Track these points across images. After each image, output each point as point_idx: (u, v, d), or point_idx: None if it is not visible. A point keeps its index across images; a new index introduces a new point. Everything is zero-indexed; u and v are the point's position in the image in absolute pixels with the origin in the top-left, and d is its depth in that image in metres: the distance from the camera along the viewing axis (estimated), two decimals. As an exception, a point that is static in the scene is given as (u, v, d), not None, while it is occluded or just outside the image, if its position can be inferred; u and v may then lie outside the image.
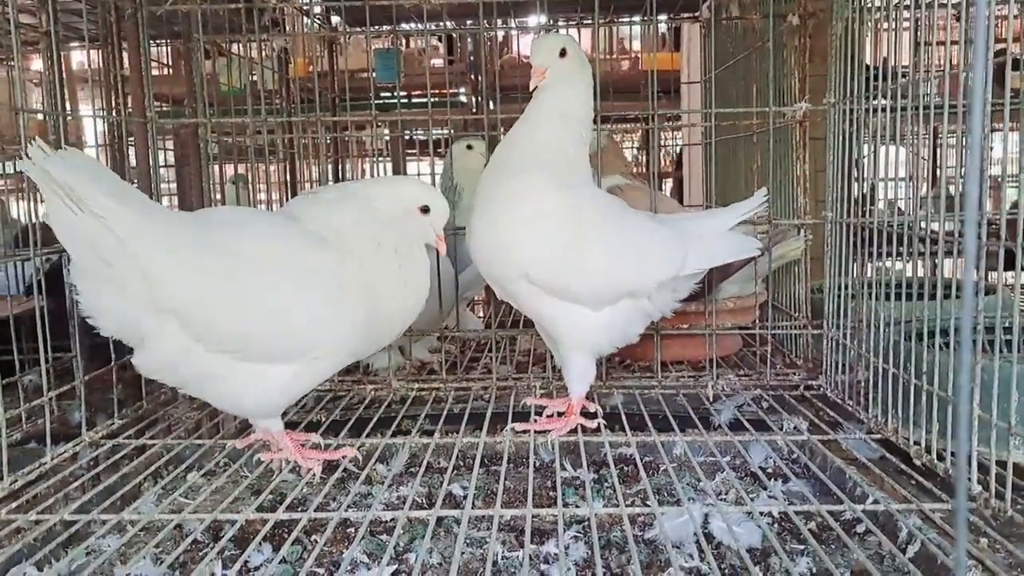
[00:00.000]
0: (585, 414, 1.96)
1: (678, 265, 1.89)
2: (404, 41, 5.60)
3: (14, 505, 1.57)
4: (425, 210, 1.78)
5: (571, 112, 1.88)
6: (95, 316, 1.60)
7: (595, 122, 2.34)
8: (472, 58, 5.06)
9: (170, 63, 3.22)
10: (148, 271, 1.51)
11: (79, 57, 4.58)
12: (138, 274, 1.51)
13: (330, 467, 1.85)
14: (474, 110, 4.70)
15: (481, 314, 3.70)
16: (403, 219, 1.77)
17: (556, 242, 1.82)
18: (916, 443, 1.70)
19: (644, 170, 5.98)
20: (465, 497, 1.66)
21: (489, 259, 1.89)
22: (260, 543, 1.48)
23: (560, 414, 1.98)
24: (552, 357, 2.19)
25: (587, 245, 1.83)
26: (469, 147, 2.73)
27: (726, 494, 1.76)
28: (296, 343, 1.66)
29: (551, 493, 1.79)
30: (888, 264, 1.97)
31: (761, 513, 1.50)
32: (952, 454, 1.58)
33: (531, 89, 1.89)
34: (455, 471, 1.83)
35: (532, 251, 1.82)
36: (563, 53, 1.87)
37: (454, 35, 4.98)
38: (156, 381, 2.20)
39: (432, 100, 3.01)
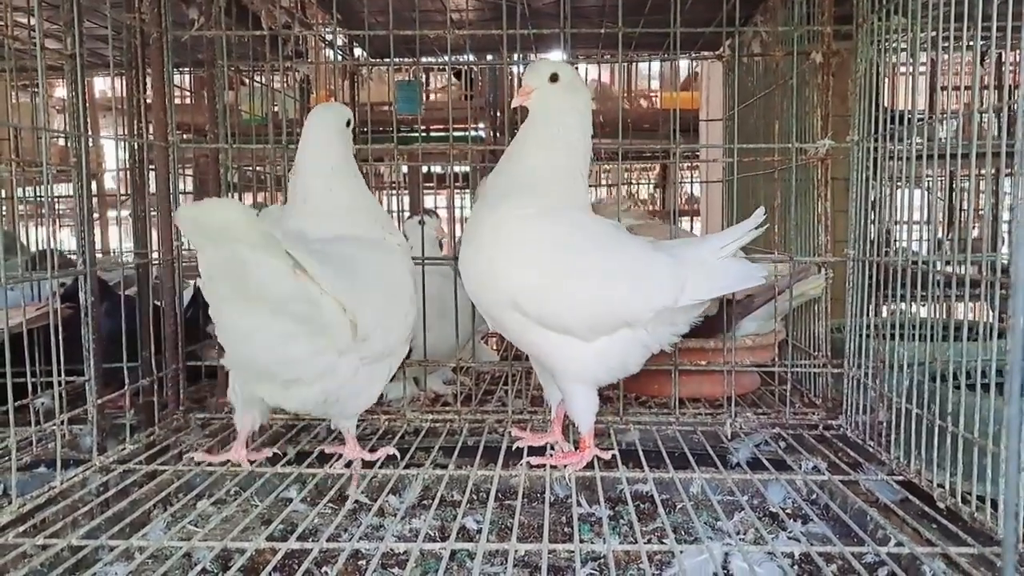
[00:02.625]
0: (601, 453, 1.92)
1: (675, 294, 1.76)
2: (425, 75, 5.65)
3: (21, 529, 1.55)
4: (349, 123, 1.94)
5: (560, 138, 1.84)
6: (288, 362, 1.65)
7: (617, 159, 2.35)
8: (493, 96, 5.09)
9: (192, 91, 3.25)
10: (356, 314, 1.64)
11: (101, 86, 4.63)
12: (344, 319, 1.64)
13: (341, 498, 1.83)
14: (493, 146, 4.73)
15: (496, 347, 3.67)
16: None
17: (546, 270, 1.77)
18: (940, 486, 1.66)
19: (661, 207, 5.99)
20: (479, 531, 1.63)
21: (478, 288, 1.85)
22: (270, 574, 1.45)
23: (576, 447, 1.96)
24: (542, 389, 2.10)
25: (578, 272, 1.77)
26: None
27: (745, 533, 1.72)
28: (407, 340, 1.94)
29: (567, 529, 1.76)
30: (909, 304, 1.94)
31: (783, 553, 1.46)
32: (979, 498, 1.54)
33: (512, 107, 1.89)
34: (469, 505, 1.80)
35: (521, 279, 1.77)
36: (554, 78, 1.84)
37: (475, 69, 5.01)
38: (169, 407, 2.22)
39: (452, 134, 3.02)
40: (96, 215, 4.18)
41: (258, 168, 2.95)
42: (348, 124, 1.93)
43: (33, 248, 2.82)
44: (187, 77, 3.27)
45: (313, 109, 1.92)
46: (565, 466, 1.84)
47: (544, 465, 1.86)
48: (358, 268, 1.74)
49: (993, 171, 1.62)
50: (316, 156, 1.87)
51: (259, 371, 1.70)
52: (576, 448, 1.92)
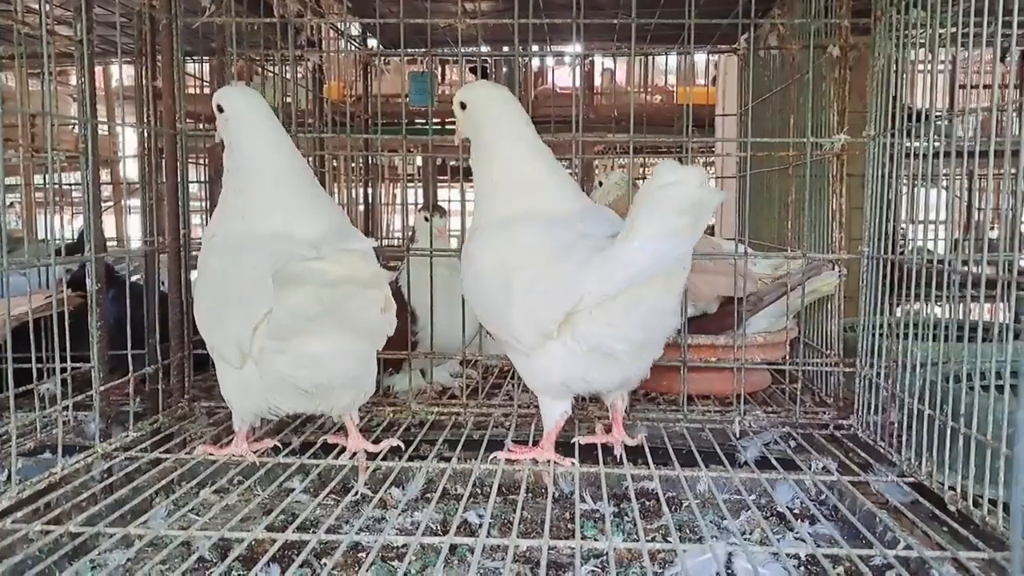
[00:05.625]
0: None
1: (572, 298, 1.63)
2: (440, 67, 5.63)
3: (20, 515, 1.54)
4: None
5: (484, 153, 1.91)
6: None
7: (628, 152, 2.32)
8: (507, 85, 5.05)
9: (203, 80, 3.24)
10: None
11: (119, 73, 4.64)
12: None
13: (343, 489, 1.82)
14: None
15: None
16: None
17: (468, 288, 1.93)
18: (951, 488, 1.63)
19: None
20: (480, 525, 1.62)
21: None
22: (267, 564, 1.44)
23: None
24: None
25: (481, 292, 1.86)
26: None
27: (751, 534, 1.70)
28: None
29: (569, 525, 1.74)
30: (924, 304, 1.90)
31: (788, 555, 1.44)
32: (991, 501, 1.51)
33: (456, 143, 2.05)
34: (471, 498, 1.79)
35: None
36: (463, 106, 1.94)
37: (489, 61, 4.98)
38: (174, 395, 2.21)
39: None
40: (111, 202, 4.20)
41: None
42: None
43: (42, 235, 2.83)
44: (199, 66, 3.27)
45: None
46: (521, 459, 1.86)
47: (516, 459, 1.85)
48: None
49: (1013, 170, 1.59)
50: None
51: (320, 388, 1.72)
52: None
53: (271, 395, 1.75)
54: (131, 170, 4.62)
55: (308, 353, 1.62)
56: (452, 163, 5.51)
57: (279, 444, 1.96)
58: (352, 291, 1.54)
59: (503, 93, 1.96)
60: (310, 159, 2.87)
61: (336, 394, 1.78)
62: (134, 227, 4.48)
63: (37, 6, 2.20)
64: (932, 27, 1.80)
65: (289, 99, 2.85)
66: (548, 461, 1.82)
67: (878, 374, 2.03)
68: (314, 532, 1.50)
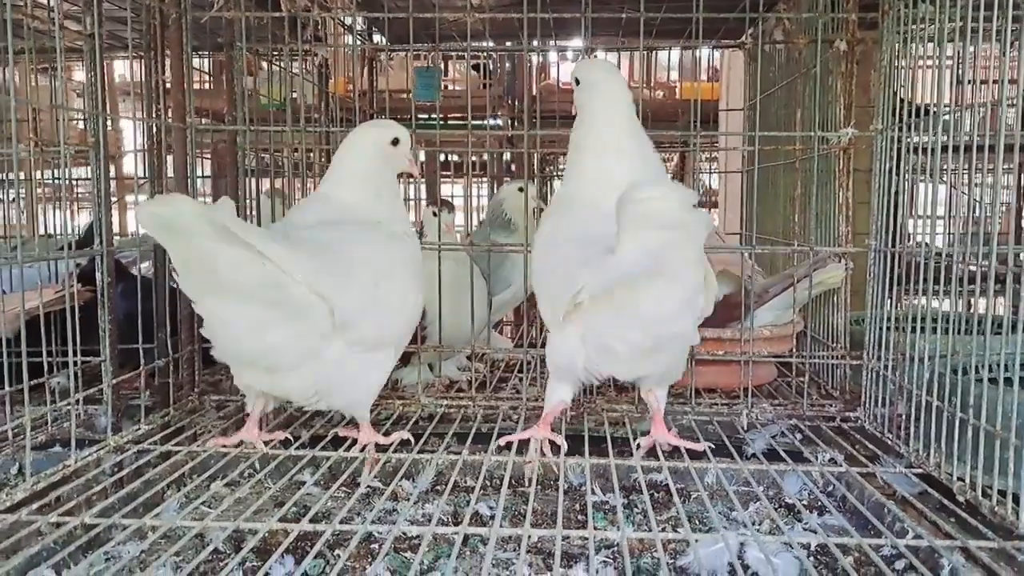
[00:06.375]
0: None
1: (571, 290, 1.72)
2: (444, 63, 5.63)
3: (35, 507, 1.55)
4: (395, 142, 1.96)
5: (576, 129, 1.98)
6: (257, 350, 1.66)
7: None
8: (510, 84, 5.06)
9: (211, 74, 3.24)
10: (330, 298, 1.63)
11: (121, 70, 4.64)
12: (319, 303, 1.62)
13: (355, 482, 1.82)
14: (510, 134, 4.72)
15: (510, 335, 3.66)
16: (388, 158, 1.96)
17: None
18: (960, 479, 1.63)
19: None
20: (492, 517, 1.63)
21: None
22: (282, 555, 1.45)
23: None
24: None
25: (533, 251, 1.97)
26: (520, 189, 2.73)
27: (760, 524, 1.71)
28: (408, 328, 1.92)
29: (580, 516, 1.75)
30: (931, 296, 1.91)
31: (799, 544, 1.44)
32: (1000, 492, 1.52)
33: None
34: (482, 491, 1.79)
35: None
36: (577, 81, 1.98)
37: (494, 56, 4.98)
38: (184, 388, 2.22)
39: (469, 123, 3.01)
40: (114, 198, 4.20)
41: (276, 153, 2.94)
42: (396, 143, 1.97)
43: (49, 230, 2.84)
44: (206, 62, 3.27)
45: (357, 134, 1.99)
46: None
47: (511, 443, 1.86)
48: (339, 253, 1.75)
49: (1016, 164, 1.60)
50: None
51: (243, 359, 1.72)
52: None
53: (232, 369, 1.80)
54: (130, 166, 4.64)
55: (205, 316, 1.62)
56: (454, 159, 5.51)
57: (290, 437, 1.97)
58: (219, 249, 1.48)
59: (602, 74, 1.98)
60: (316, 153, 2.89)
61: (291, 377, 1.73)
62: (133, 223, 4.49)
63: (45, 1, 2.22)
64: (940, 21, 1.80)
65: (296, 94, 2.86)
66: (556, 448, 1.83)
67: (885, 367, 2.04)
68: (327, 523, 1.51)
